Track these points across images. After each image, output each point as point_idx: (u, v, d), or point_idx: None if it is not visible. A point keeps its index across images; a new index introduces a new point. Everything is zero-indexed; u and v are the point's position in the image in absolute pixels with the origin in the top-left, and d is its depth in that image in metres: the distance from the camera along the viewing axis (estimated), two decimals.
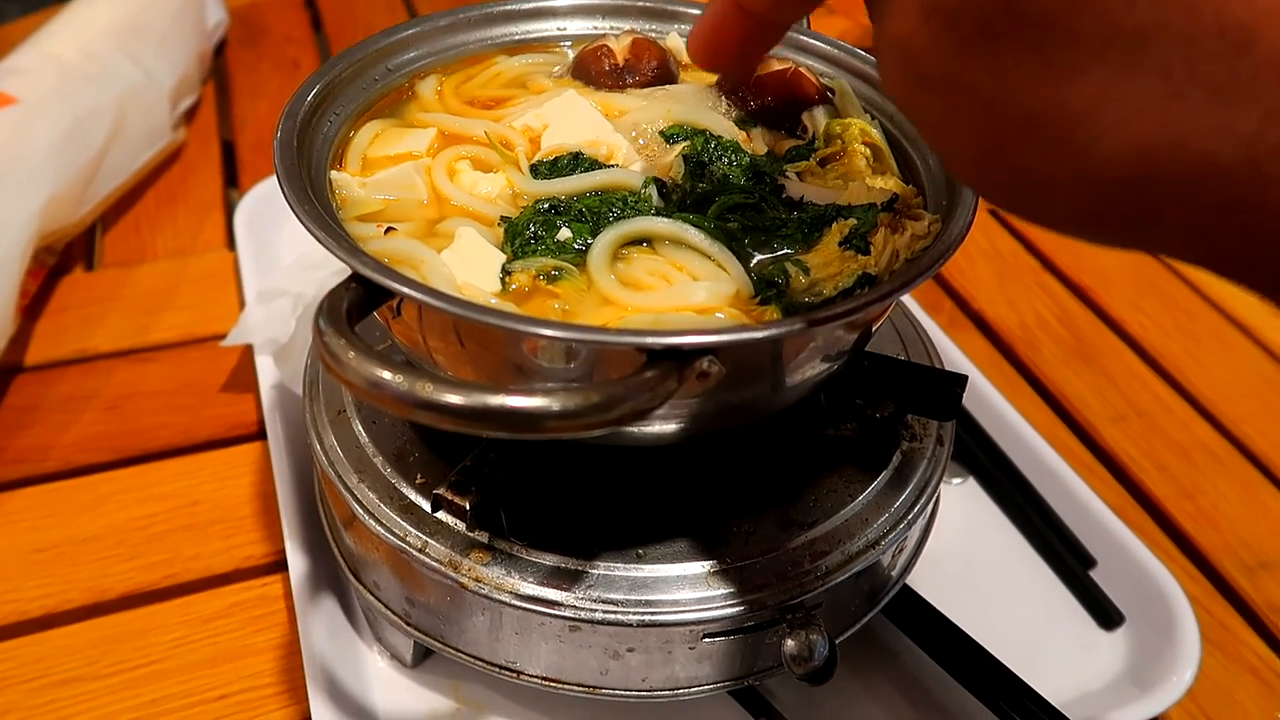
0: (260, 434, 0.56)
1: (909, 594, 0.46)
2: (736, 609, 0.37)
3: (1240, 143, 0.19)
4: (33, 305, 0.62)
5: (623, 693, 0.39)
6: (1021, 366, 0.64)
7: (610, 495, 0.40)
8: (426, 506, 0.39)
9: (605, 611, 0.37)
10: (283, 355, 0.53)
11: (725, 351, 0.31)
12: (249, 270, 0.62)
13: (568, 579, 0.37)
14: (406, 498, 0.40)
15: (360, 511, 0.40)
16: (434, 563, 0.38)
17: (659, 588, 0.37)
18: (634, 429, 0.36)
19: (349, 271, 0.32)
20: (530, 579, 0.37)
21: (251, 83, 0.88)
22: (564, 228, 0.37)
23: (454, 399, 0.26)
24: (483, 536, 0.38)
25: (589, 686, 0.39)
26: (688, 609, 0.37)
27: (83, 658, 0.45)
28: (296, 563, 0.46)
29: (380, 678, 0.44)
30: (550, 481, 0.40)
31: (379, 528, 0.39)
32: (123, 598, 0.48)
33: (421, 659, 0.44)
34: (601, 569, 0.37)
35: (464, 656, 0.40)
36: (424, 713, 0.43)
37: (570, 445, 0.40)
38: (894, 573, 0.44)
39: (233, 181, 0.76)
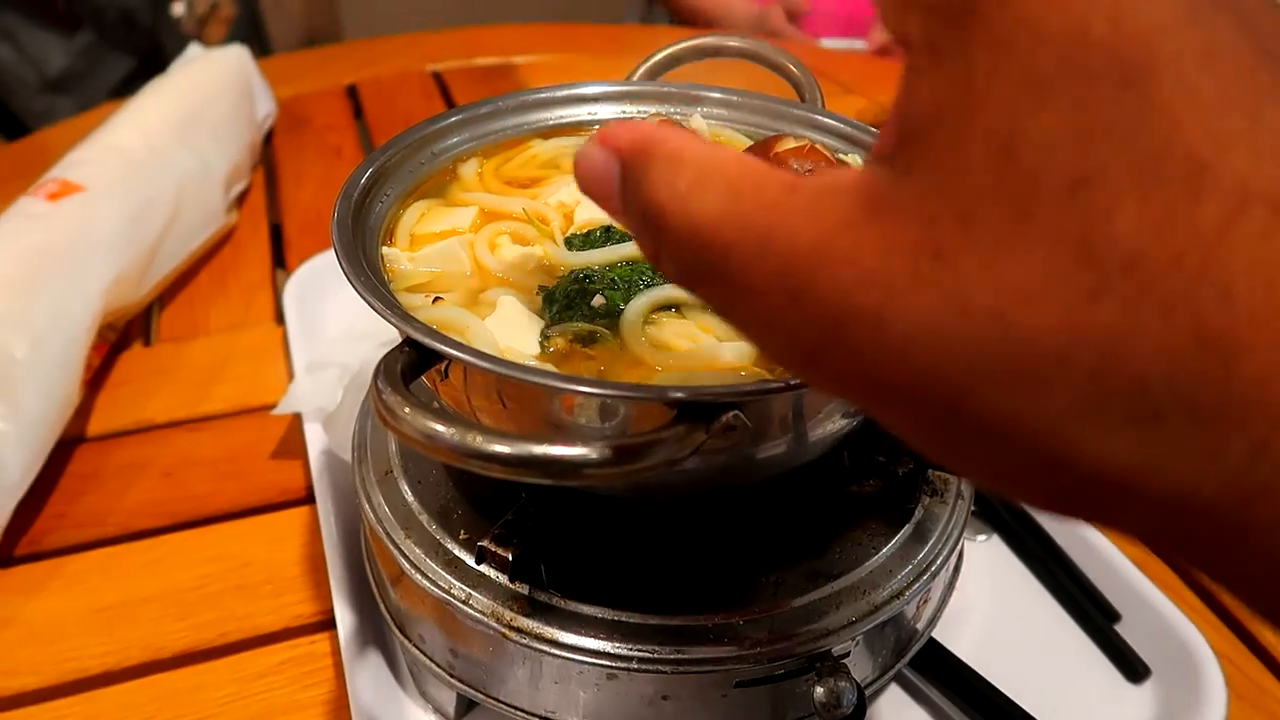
0: (308, 499, 0.58)
1: (935, 646, 0.47)
2: (767, 658, 0.39)
3: (1227, 476, 0.16)
4: (95, 379, 0.66)
5: None
6: None
7: (644, 548, 0.42)
8: (470, 560, 0.41)
9: (641, 660, 0.38)
10: (330, 422, 0.56)
11: (749, 406, 0.33)
12: (297, 343, 0.65)
13: (605, 628, 0.39)
14: (451, 553, 0.42)
15: (407, 567, 0.42)
16: (477, 614, 0.40)
17: (692, 636, 0.39)
18: (666, 482, 0.38)
19: (394, 343, 0.35)
20: (569, 629, 0.39)
21: (296, 168, 0.93)
22: (598, 295, 0.40)
23: (501, 448, 0.29)
24: (523, 589, 0.40)
25: None
26: (720, 657, 0.38)
27: (139, 713, 0.47)
28: (344, 620, 0.47)
29: None
30: (587, 536, 0.42)
31: (425, 581, 0.41)
32: (177, 656, 0.50)
33: (465, 712, 0.46)
34: (637, 619, 0.39)
35: (505, 708, 0.42)
36: None
37: (606, 500, 0.42)
38: (919, 625, 0.45)
39: (280, 261, 0.80)
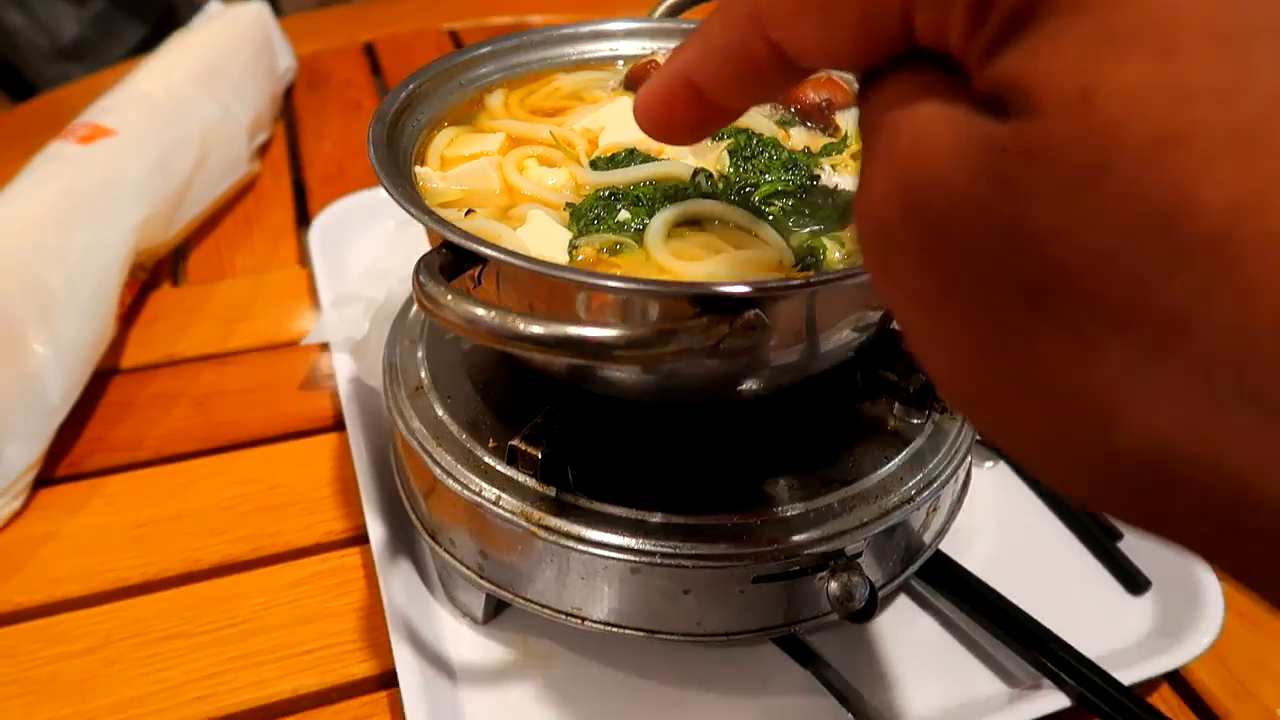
0: (334, 427, 0.60)
1: (943, 559, 0.49)
2: (782, 554, 0.41)
3: None
4: (127, 315, 0.68)
5: (679, 636, 0.43)
6: None
7: (666, 453, 0.43)
8: (499, 466, 0.43)
9: (664, 556, 0.40)
10: (359, 350, 0.58)
11: (769, 304, 0.35)
12: (324, 280, 0.67)
13: (629, 526, 0.41)
14: (481, 460, 0.44)
15: (440, 474, 0.44)
16: (507, 514, 0.42)
17: (712, 534, 0.41)
18: (688, 385, 0.40)
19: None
20: (595, 527, 0.41)
21: (317, 123, 0.94)
22: (623, 210, 0.42)
23: (538, 329, 0.31)
24: (550, 490, 0.42)
25: (648, 630, 0.43)
26: (738, 554, 0.40)
27: (179, 618, 0.49)
28: (376, 531, 0.49)
29: (454, 634, 0.47)
30: (612, 441, 0.43)
31: (457, 486, 0.43)
32: (213, 568, 0.52)
33: (492, 616, 0.48)
34: (660, 518, 0.41)
35: (533, 605, 0.44)
36: (495, 663, 0.46)
37: (630, 407, 0.44)
38: (927, 536, 0.47)
39: (302, 209, 0.82)
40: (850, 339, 0.41)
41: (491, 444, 0.44)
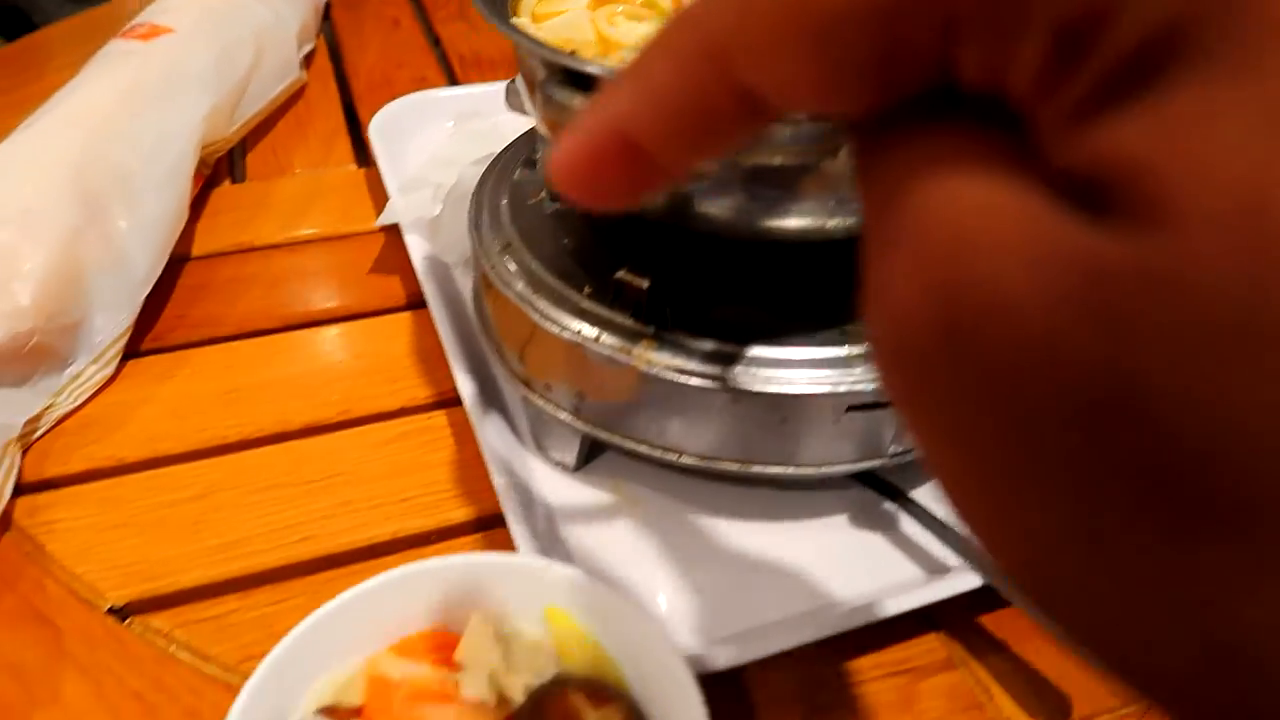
0: (406, 307, 0.62)
1: None
2: (873, 385, 0.43)
3: None
4: (193, 208, 0.69)
5: (774, 469, 0.45)
6: None
7: (762, 289, 0.45)
8: (598, 309, 0.45)
9: (763, 384, 0.42)
10: (434, 228, 0.60)
11: None
12: (387, 170, 0.68)
13: (729, 359, 0.43)
14: (579, 303, 0.46)
15: (538, 319, 0.45)
16: (609, 352, 0.44)
17: (808, 366, 0.43)
18: (789, 223, 0.42)
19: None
20: (695, 359, 0.43)
21: (358, 40, 0.95)
22: None
23: None
24: (649, 328, 0.44)
25: (743, 462, 0.45)
26: (834, 384, 0.43)
27: (278, 470, 0.51)
28: (466, 387, 0.51)
29: (548, 481, 0.50)
30: (708, 279, 0.45)
31: (557, 329, 0.45)
32: (304, 428, 0.54)
33: (583, 463, 0.50)
34: (757, 351, 0.43)
35: (630, 442, 0.46)
36: (590, 505, 0.48)
37: (724, 246, 0.46)
38: None
39: (351, 115, 0.83)
40: None
41: (587, 290, 0.46)
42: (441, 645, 0.37)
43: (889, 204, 0.14)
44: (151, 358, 0.58)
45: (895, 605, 0.42)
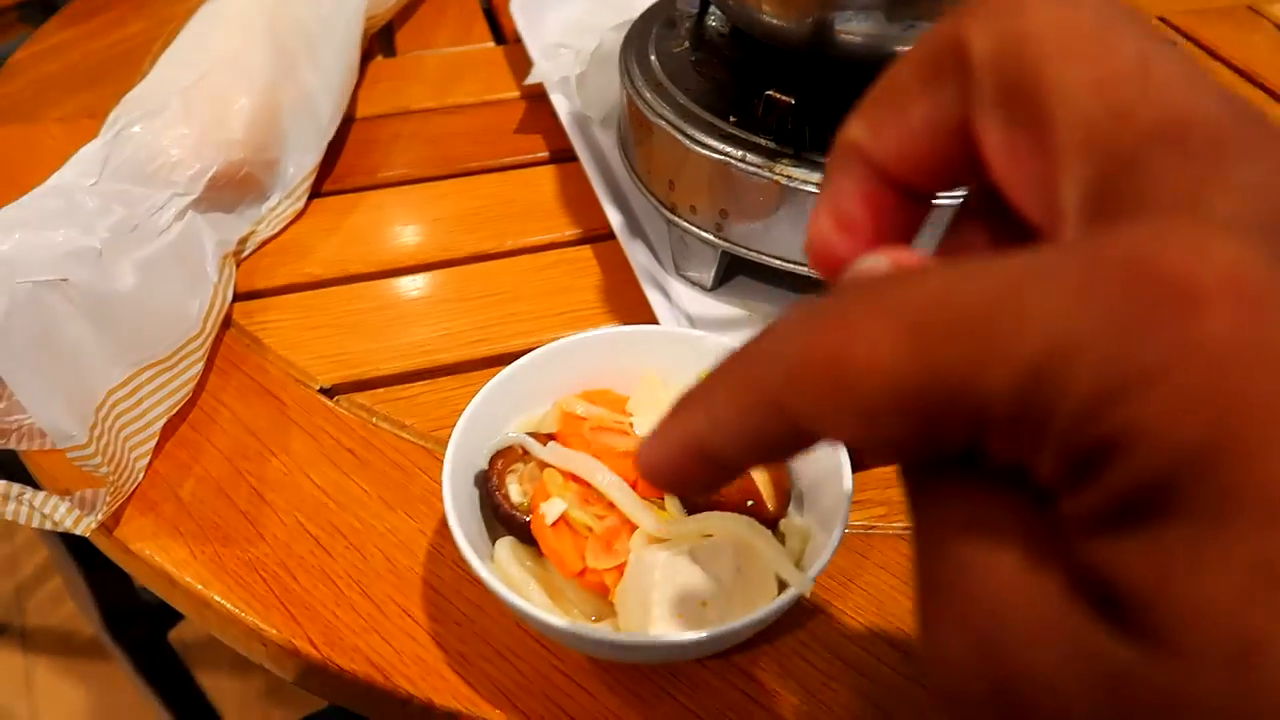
0: (551, 160, 0.68)
1: None
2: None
3: None
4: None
5: None
6: None
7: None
8: (742, 134, 0.51)
9: None
10: (580, 83, 0.66)
11: None
12: (530, 39, 0.74)
13: None
14: (725, 129, 0.51)
15: (688, 144, 0.51)
16: (752, 168, 0.49)
17: None
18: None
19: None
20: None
21: None
22: None
23: None
24: (789, 149, 0.50)
25: None
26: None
27: (451, 289, 0.58)
28: (614, 216, 0.58)
29: (687, 296, 0.56)
30: (840, 104, 0.51)
31: (706, 152, 0.51)
32: (469, 256, 0.61)
33: (719, 283, 0.56)
34: None
35: (767, 257, 0.52)
36: (726, 316, 0.55)
37: (854, 70, 0.51)
38: None
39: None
40: None
41: (731, 119, 0.52)
42: (616, 400, 0.43)
43: (937, 552, 0.16)
44: (333, 198, 0.66)
45: None
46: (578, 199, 0.64)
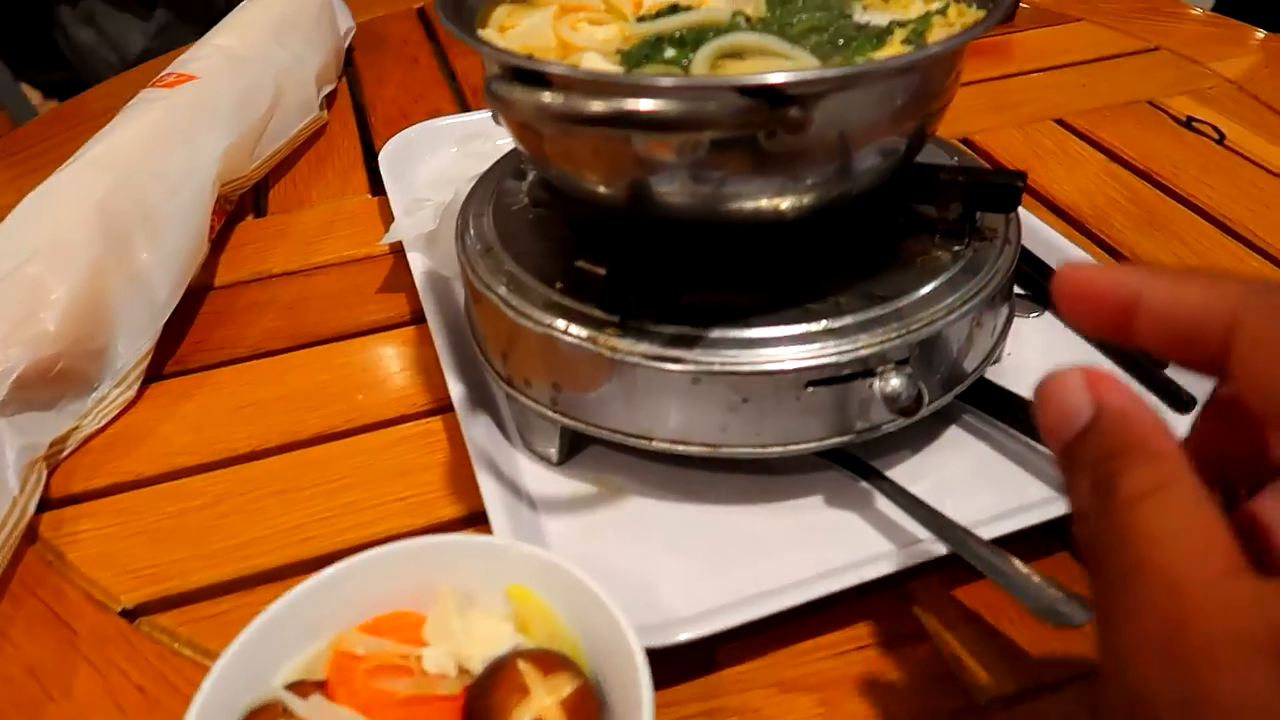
0: (412, 322, 0.64)
1: (991, 385, 0.51)
2: (832, 359, 0.43)
3: None
4: (217, 242, 0.73)
5: (742, 449, 0.46)
6: (1093, 236, 0.69)
7: (722, 274, 0.47)
8: (568, 302, 0.47)
9: (722, 364, 0.43)
10: (430, 242, 0.63)
11: (810, 99, 0.38)
12: (394, 194, 0.71)
13: (690, 342, 0.44)
14: (551, 298, 0.47)
15: (514, 316, 0.47)
16: (577, 341, 0.45)
17: (767, 345, 0.44)
18: (740, 199, 0.43)
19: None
20: (657, 344, 0.44)
21: (378, 74, 1.00)
22: (669, 49, 0.45)
23: (599, 106, 0.34)
24: (615, 317, 0.46)
25: (712, 445, 0.46)
26: (792, 360, 0.43)
27: (285, 477, 0.54)
28: (456, 389, 0.53)
29: (533, 475, 0.51)
30: (671, 266, 0.47)
31: (530, 324, 0.47)
32: (312, 438, 0.56)
33: (566, 457, 0.51)
34: (717, 333, 0.44)
35: (604, 431, 0.47)
36: (572, 496, 0.50)
37: (686, 235, 0.47)
38: (971, 359, 0.49)
39: (369, 148, 0.87)
40: (889, 145, 0.44)
41: (559, 285, 0.48)
42: (410, 624, 0.38)
43: (1127, 581, 0.21)
44: (173, 380, 0.61)
45: (859, 575, 0.42)
46: (435, 364, 0.60)
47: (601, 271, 0.43)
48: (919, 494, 0.47)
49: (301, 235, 0.75)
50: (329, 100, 0.93)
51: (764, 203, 0.44)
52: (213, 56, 0.80)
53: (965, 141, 0.80)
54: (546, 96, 0.35)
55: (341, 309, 0.67)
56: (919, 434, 0.51)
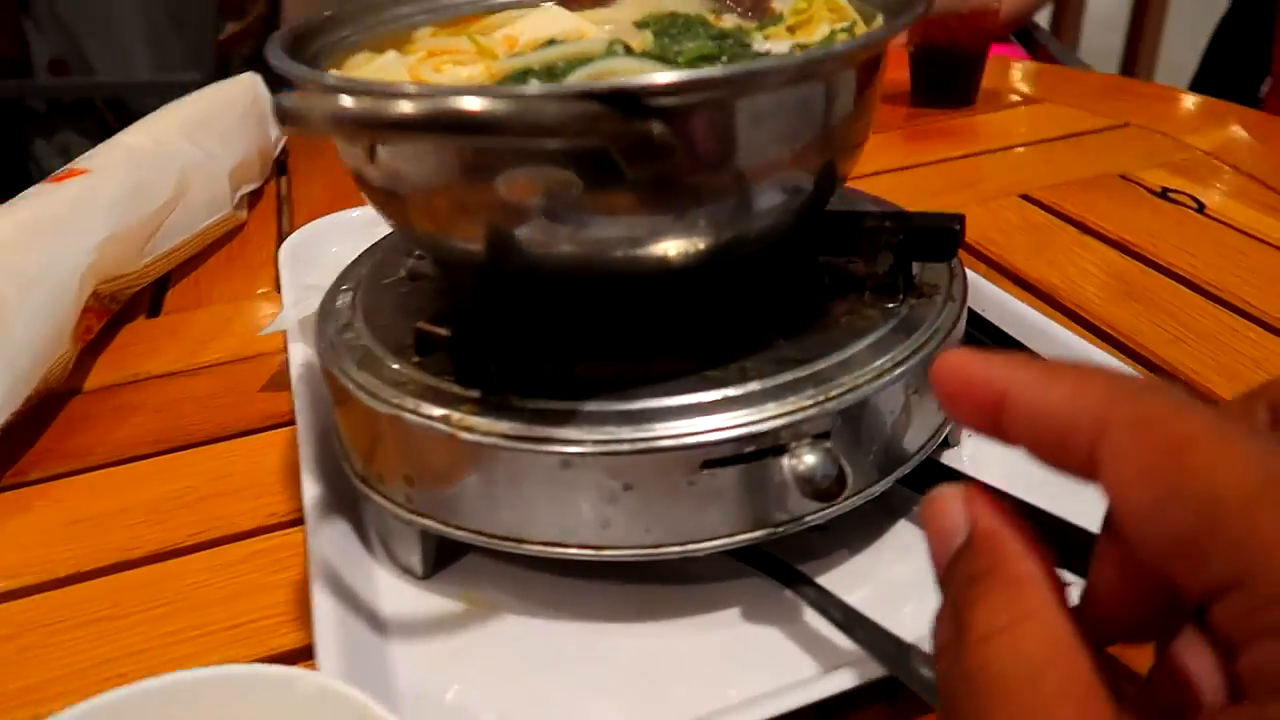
0: (291, 421, 0.56)
1: (942, 468, 0.43)
2: (734, 433, 0.35)
3: None
4: (94, 344, 0.66)
5: (629, 551, 0.37)
6: (1067, 311, 0.61)
7: (606, 342, 0.39)
8: (421, 377, 0.39)
9: (595, 442, 0.35)
10: (306, 324, 0.55)
11: (676, 114, 0.31)
12: (288, 286, 0.64)
13: (559, 418, 0.36)
14: (403, 374, 0.40)
15: (363, 397, 0.40)
16: (426, 420, 0.37)
17: (653, 418, 0.36)
18: (616, 244, 0.36)
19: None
20: (521, 421, 0.36)
21: (307, 175, 0.95)
22: (534, 81, 0.39)
23: (410, 107, 0.27)
24: (474, 393, 0.38)
25: (593, 546, 0.37)
26: (683, 435, 0.35)
27: (106, 602, 0.45)
28: (310, 489, 0.45)
29: (393, 593, 0.42)
30: (542, 332, 0.39)
31: (378, 404, 0.39)
32: (147, 555, 0.48)
33: (432, 570, 0.43)
34: (594, 406, 0.36)
35: (465, 533, 0.39)
36: (432, 616, 0.41)
37: (560, 289, 0.40)
38: (912, 438, 0.41)
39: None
40: (790, 181, 0.37)
41: (416, 360, 0.40)
42: None
43: None
44: (8, 494, 0.53)
45: (776, 706, 0.33)
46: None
47: (444, 333, 0.36)
48: (855, 603, 0.37)
49: (193, 335, 0.68)
50: (251, 200, 0.88)
51: (644, 249, 0.36)
52: (112, 151, 0.75)
53: None
54: (345, 101, 0.28)
55: (219, 410, 0.59)
56: (858, 530, 0.43)
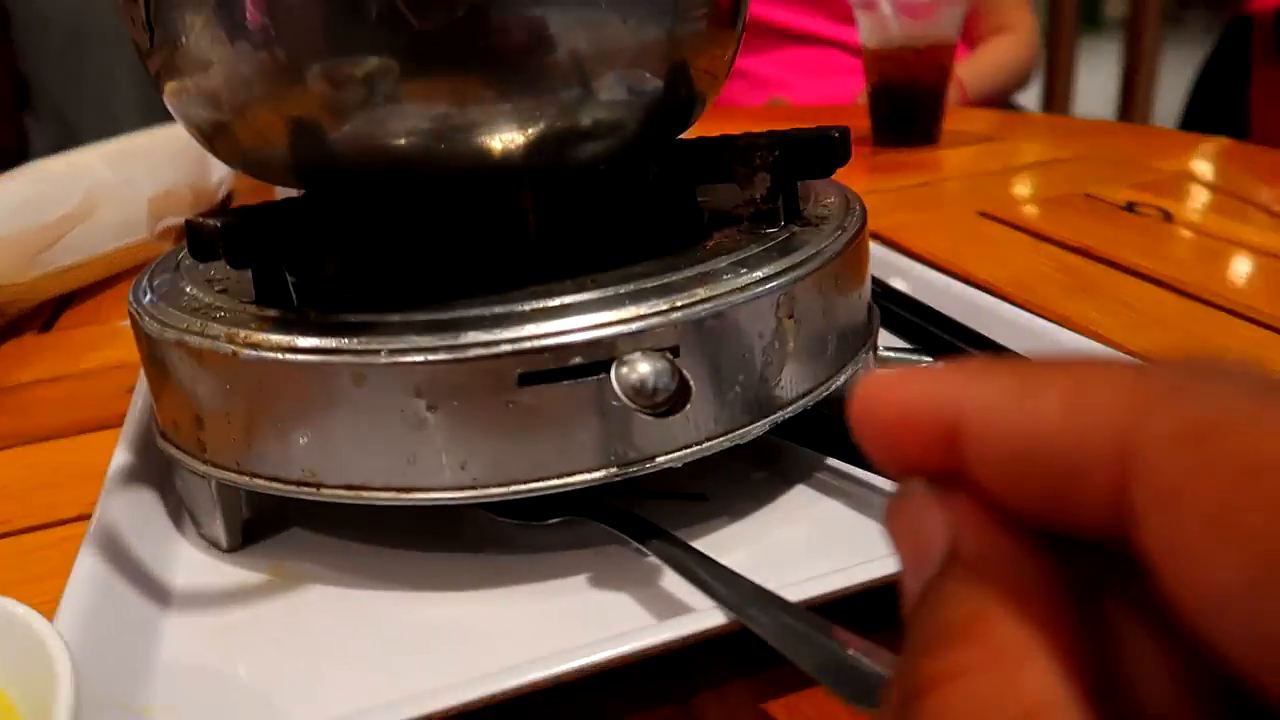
0: None
1: (820, 415, 0.36)
2: (556, 340, 0.30)
3: None
4: None
5: (442, 494, 0.31)
6: (1019, 307, 0.56)
7: (432, 256, 0.34)
8: (217, 300, 0.34)
9: (391, 350, 0.30)
10: None
11: None
12: None
13: (355, 330, 0.31)
14: (201, 300, 0.35)
15: (154, 328, 0.34)
16: (209, 341, 0.32)
17: (462, 326, 0.30)
18: (430, 142, 0.31)
19: None
20: (311, 334, 0.31)
21: None
22: None
23: None
24: (271, 313, 0.32)
25: (397, 489, 0.31)
26: (494, 342, 0.30)
27: None
28: (121, 455, 0.39)
29: (191, 567, 0.36)
30: (347, 242, 0.34)
31: (161, 329, 0.34)
32: None
33: (239, 544, 0.36)
34: (398, 317, 0.31)
35: (257, 481, 0.33)
36: (228, 587, 0.34)
37: (376, 196, 0.35)
38: (791, 383, 0.34)
39: None
40: (628, 74, 0.32)
41: (219, 288, 0.35)
42: None
43: None
44: None
45: (592, 655, 0.26)
46: None
47: (216, 223, 0.31)
48: (731, 565, 0.31)
49: (75, 348, 0.63)
50: (177, 235, 0.84)
51: (460, 137, 0.32)
52: (22, 175, 0.72)
53: (873, 235, 0.68)
54: None
55: (82, 408, 0.53)
56: (741, 499, 0.36)
